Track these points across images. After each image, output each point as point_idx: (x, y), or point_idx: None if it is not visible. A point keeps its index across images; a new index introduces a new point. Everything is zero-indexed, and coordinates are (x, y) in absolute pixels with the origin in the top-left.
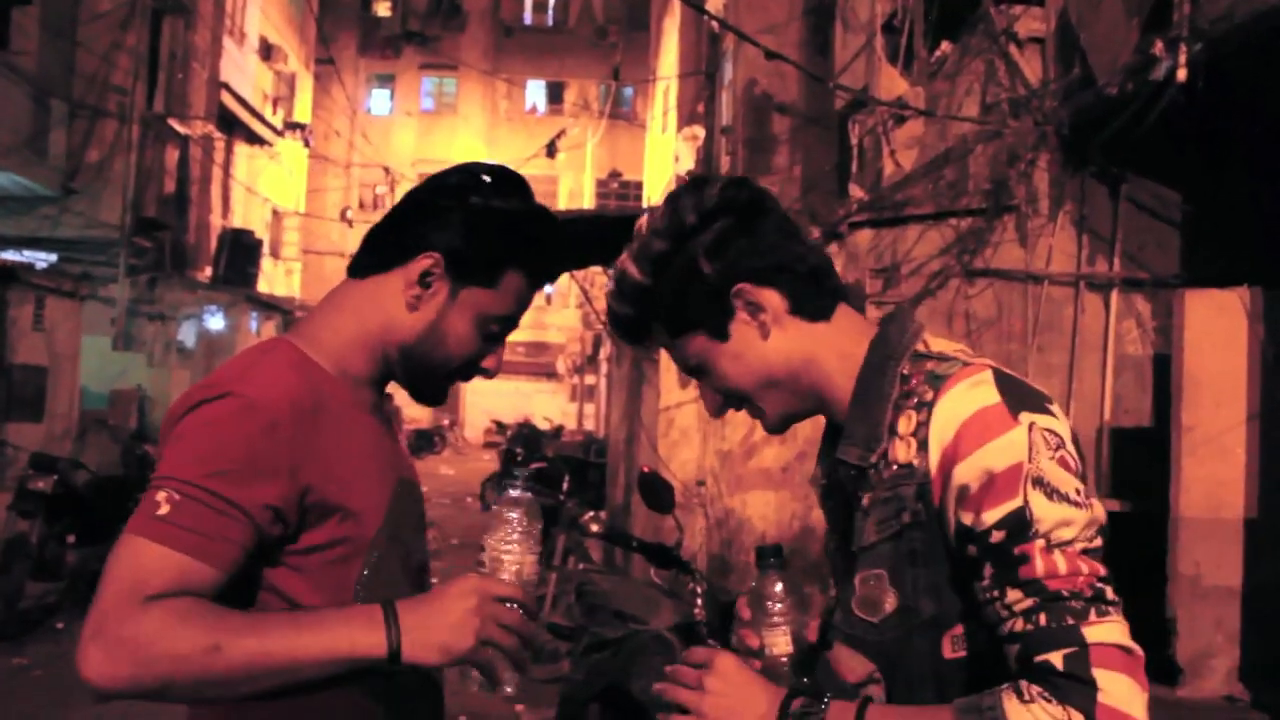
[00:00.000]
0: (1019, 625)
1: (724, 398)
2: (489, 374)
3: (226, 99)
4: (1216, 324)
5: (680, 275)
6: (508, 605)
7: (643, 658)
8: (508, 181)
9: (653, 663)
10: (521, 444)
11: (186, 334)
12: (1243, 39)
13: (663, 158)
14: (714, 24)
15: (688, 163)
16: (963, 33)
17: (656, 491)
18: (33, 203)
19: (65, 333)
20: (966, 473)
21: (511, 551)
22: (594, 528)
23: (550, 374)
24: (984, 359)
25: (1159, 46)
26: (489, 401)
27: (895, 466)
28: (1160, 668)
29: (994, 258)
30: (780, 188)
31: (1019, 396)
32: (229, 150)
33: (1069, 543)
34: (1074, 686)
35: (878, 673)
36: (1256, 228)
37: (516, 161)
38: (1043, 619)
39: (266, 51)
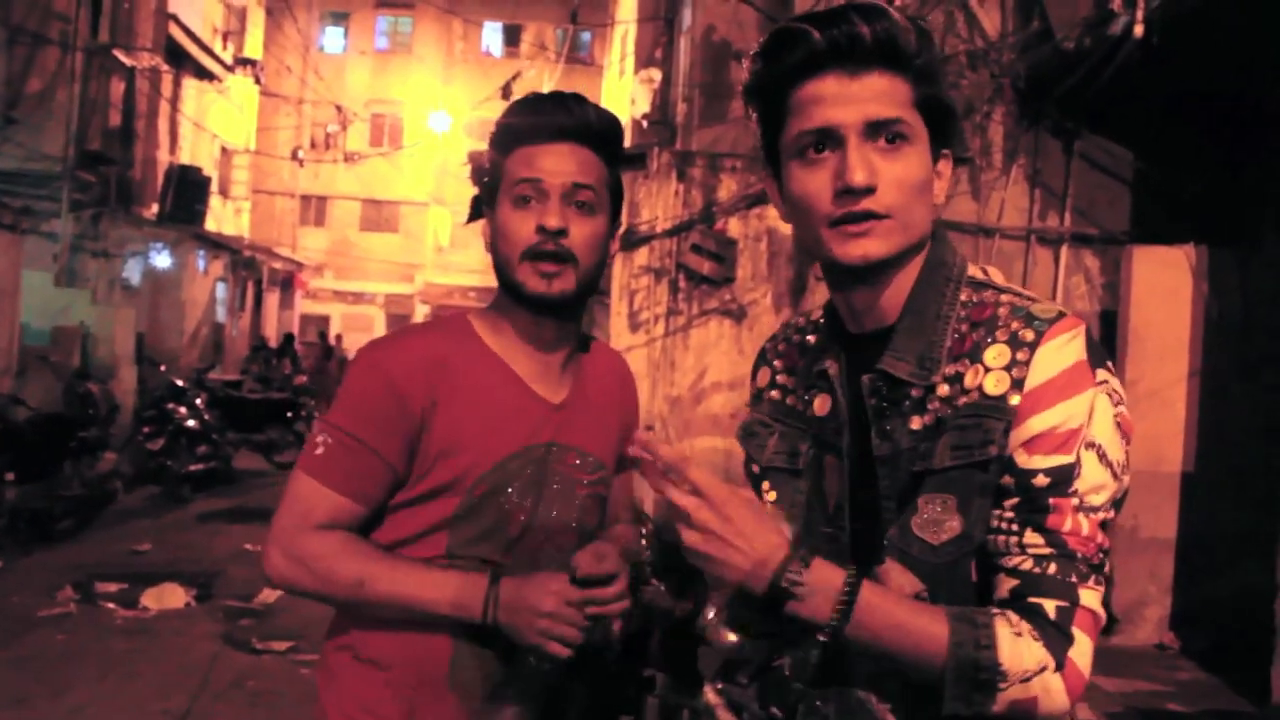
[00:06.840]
0: (1026, 564)
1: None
2: (554, 231)
3: (175, 31)
4: (1162, 280)
5: None
6: (580, 608)
7: None
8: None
9: None
10: None
11: (132, 271)
12: None
13: (619, 103)
14: None
15: (644, 106)
16: None
17: None
18: None
19: (4, 267)
20: (1042, 421)
21: None
22: None
23: None
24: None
25: (1117, 2)
26: None
27: (979, 395)
28: None
29: (946, 209)
30: (736, 135)
31: (1097, 353)
32: (177, 84)
33: (1095, 509)
34: (1056, 635)
35: (925, 592)
36: (1205, 186)
37: (471, 104)
38: (1052, 569)
39: None
